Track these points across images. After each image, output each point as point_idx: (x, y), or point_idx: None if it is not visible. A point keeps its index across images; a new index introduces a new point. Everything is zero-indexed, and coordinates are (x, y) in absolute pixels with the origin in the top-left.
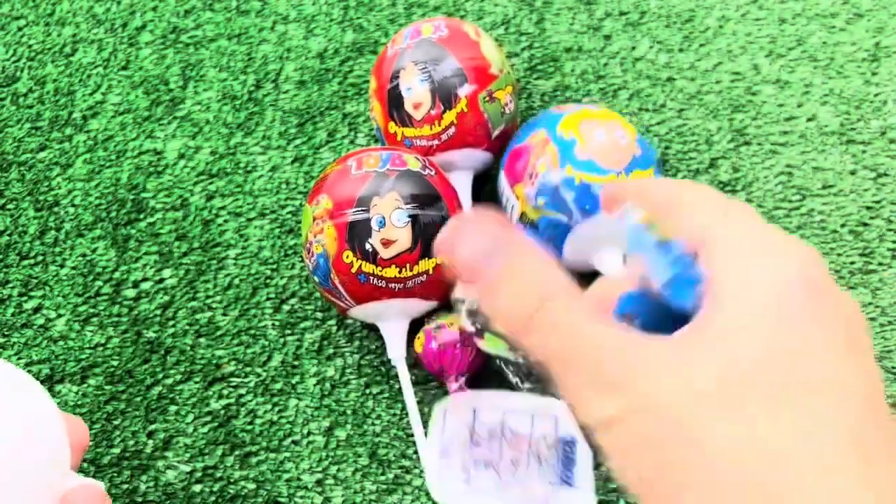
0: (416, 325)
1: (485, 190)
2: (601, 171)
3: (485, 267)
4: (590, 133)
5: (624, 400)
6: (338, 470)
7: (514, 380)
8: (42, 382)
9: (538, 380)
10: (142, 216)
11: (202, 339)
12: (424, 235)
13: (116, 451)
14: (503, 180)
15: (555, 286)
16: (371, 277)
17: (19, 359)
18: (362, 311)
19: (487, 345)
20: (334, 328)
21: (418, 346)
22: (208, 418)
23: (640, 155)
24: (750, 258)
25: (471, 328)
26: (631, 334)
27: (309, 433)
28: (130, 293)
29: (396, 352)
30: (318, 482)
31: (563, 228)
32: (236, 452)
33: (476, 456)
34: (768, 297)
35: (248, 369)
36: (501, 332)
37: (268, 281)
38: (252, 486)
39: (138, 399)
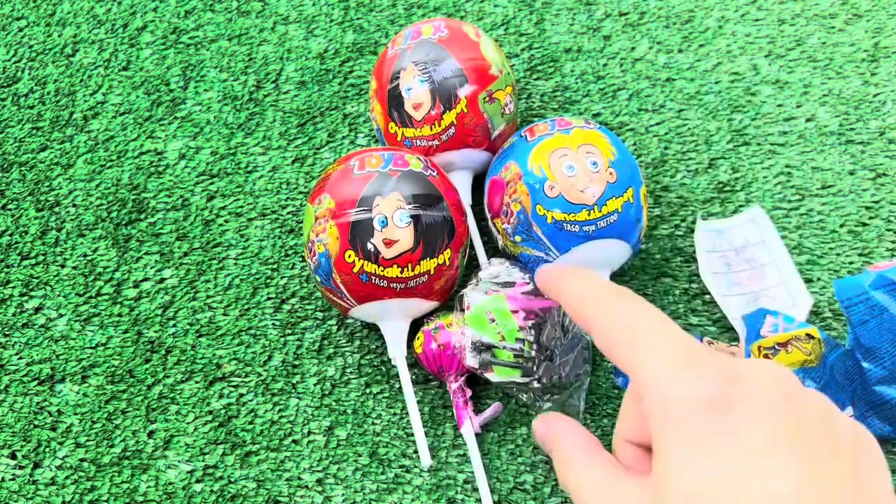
0: (416, 325)
1: (484, 190)
2: (572, 208)
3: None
4: (559, 167)
5: None
6: (338, 469)
7: (529, 401)
8: (43, 382)
9: (553, 396)
10: (143, 216)
11: (203, 339)
12: (426, 236)
13: (117, 450)
14: (486, 207)
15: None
16: (373, 277)
17: (20, 358)
18: (363, 311)
19: (498, 375)
20: (335, 328)
21: (418, 346)
22: (209, 418)
23: (616, 181)
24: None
25: (475, 364)
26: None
27: (309, 432)
28: (131, 293)
29: (397, 351)
30: (319, 481)
31: (543, 263)
32: (237, 452)
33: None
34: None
35: (248, 369)
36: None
37: (268, 281)
38: (252, 485)
39: (139, 399)
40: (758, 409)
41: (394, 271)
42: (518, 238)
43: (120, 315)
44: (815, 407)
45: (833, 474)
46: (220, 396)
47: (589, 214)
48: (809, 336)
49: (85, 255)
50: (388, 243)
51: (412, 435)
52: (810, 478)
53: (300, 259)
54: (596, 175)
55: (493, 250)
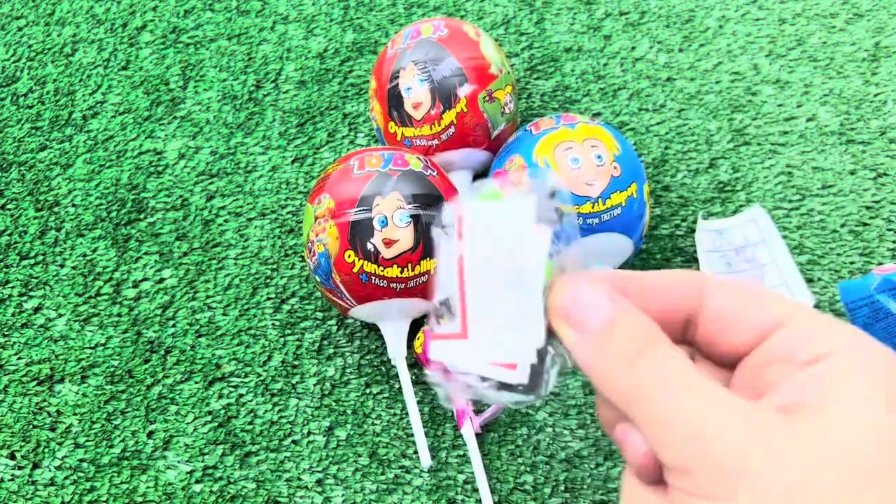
0: (416, 325)
1: None
2: (576, 200)
3: (589, 317)
4: (564, 159)
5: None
6: (338, 470)
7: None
8: (42, 382)
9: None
10: (142, 216)
11: (202, 339)
12: (426, 235)
13: (116, 450)
14: None
15: (656, 336)
16: (373, 277)
17: (19, 358)
18: (363, 311)
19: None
20: (334, 328)
21: (418, 346)
22: (208, 418)
23: (620, 175)
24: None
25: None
26: (736, 401)
27: (309, 433)
28: (130, 293)
29: (397, 351)
30: (319, 482)
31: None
32: (236, 452)
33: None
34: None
35: (248, 369)
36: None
37: (268, 281)
38: (252, 485)
39: (138, 399)
40: None
41: (394, 271)
42: None
43: (119, 315)
44: None
45: None
46: (220, 396)
47: (593, 207)
48: None
49: (84, 255)
50: (388, 243)
51: (412, 435)
52: None
53: (300, 259)
54: (600, 169)
55: None
